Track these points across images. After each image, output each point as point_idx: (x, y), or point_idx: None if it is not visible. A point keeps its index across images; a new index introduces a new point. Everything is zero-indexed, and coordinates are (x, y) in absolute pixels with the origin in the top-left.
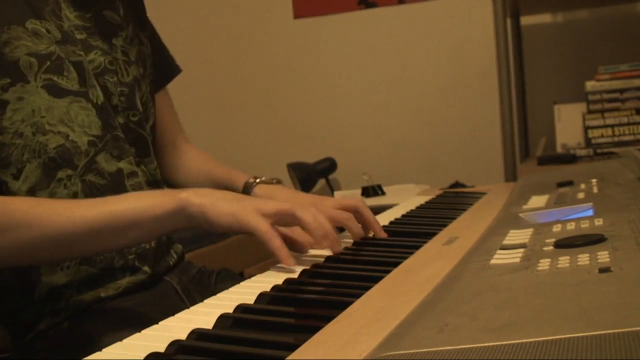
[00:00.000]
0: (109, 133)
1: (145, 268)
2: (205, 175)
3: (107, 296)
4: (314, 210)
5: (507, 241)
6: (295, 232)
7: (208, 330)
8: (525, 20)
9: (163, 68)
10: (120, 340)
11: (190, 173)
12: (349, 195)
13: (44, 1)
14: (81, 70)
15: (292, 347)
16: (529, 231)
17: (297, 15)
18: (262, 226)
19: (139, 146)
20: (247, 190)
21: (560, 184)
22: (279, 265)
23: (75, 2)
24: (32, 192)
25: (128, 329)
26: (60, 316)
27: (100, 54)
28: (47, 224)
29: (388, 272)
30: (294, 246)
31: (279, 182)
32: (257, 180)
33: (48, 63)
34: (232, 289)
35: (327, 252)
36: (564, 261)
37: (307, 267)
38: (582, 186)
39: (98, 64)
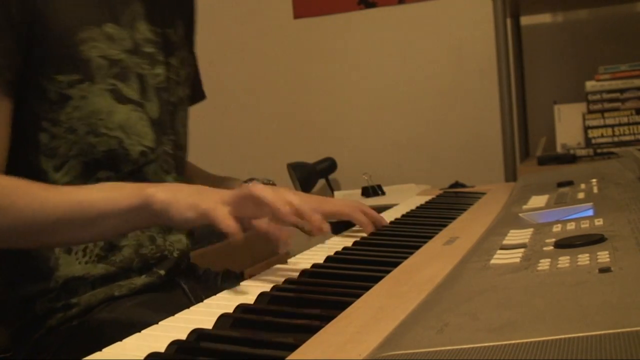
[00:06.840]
0: (160, 147)
1: (161, 271)
2: None
3: (120, 295)
4: (278, 190)
5: (507, 241)
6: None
7: (208, 330)
8: (525, 20)
9: (192, 90)
10: None
11: None
12: (348, 195)
13: (123, 9)
14: (143, 83)
15: (292, 347)
16: (529, 231)
17: (297, 15)
18: (219, 213)
19: (177, 164)
20: None
21: (560, 184)
22: (279, 265)
23: (148, 16)
24: (69, 185)
25: (138, 328)
26: (72, 312)
27: (165, 70)
28: (21, 210)
29: (388, 272)
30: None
31: (273, 183)
32: (252, 182)
33: (116, 69)
34: (232, 289)
35: (327, 252)
36: (564, 261)
37: (307, 267)
38: (582, 186)
39: (164, 78)
